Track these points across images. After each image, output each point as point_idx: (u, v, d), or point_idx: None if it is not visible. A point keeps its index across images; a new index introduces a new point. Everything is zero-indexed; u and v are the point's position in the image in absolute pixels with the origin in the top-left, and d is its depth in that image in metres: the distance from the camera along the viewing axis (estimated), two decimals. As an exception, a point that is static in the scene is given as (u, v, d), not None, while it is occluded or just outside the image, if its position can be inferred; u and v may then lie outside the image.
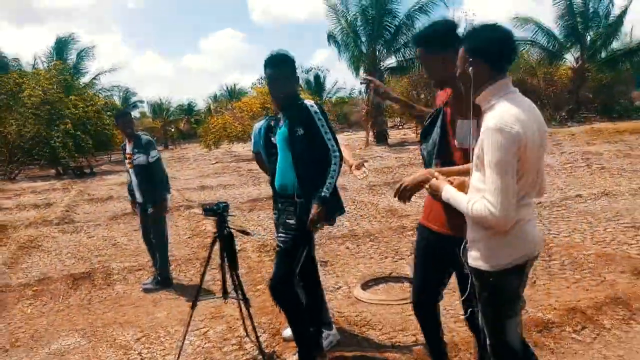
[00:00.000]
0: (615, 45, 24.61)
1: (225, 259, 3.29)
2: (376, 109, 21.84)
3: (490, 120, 1.81)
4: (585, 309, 3.46)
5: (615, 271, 4.27)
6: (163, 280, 4.84)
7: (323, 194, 2.76)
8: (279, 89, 2.91)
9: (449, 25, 2.31)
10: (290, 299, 2.85)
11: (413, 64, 22.11)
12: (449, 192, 1.96)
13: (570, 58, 24.99)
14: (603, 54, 24.23)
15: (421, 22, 22.19)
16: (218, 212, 3.19)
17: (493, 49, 1.88)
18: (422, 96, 23.93)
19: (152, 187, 4.71)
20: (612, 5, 23.45)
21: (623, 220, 5.91)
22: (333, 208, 2.91)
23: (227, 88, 47.75)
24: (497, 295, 1.95)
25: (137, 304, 4.57)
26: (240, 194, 10.50)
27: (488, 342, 2.05)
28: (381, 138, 21.88)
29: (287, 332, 3.31)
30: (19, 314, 4.52)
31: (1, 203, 11.80)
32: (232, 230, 3.28)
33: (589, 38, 24.19)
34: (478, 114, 1.97)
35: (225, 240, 3.23)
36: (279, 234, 2.94)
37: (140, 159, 4.65)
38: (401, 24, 22.13)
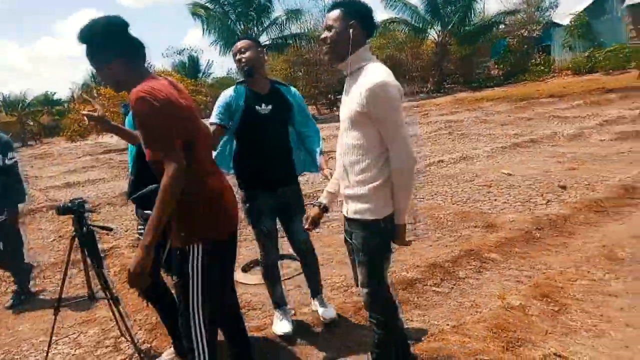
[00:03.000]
0: (472, 19, 26.83)
1: (88, 259, 3.10)
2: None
3: (373, 77, 1.97)
4: (443, 263, 3.80)
5: (470, 227, 4.75)
6: (23, 293, 4.43)
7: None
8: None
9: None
10: (156, 294, 2.77)
11: (287, 42, 22.30)
12: (397, 212, 2.08)
13: (433, 34, 26.83)
14: (462, 29, 26.31)
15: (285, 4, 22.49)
16: (73, 209, 2.98)
17: (368, 14, 2.09)
18: (300, 73, 24.25)
19: (6, 193, 4.22)
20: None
21: (477, 180, 6.55)
22: None
23: (94, 74, 44.22)
24: (385, 241, 2.14)
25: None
26: (112, 187, 9.89)
27: (366, 291, 2.20)
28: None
29: (279, 327, 3.17)
30: None
31: None
32: (93, 228, 3.08)
33: (448, 14, 26.08)
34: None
35: (85, 238, 3.03)
36: None
37: None
38: (267, 2, 22.19)
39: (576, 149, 7.84)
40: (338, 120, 2.21)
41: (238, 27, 22.54)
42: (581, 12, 25.70)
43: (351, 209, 2.14)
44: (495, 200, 5.60)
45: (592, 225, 4.43)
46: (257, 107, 2.87)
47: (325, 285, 3.58)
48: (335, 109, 24.63)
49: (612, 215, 4.62)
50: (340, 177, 2.21)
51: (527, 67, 25.54)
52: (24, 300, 4.41)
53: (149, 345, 3.26)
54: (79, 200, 3.00)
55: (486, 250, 4.00)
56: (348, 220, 2.20)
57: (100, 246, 3.17)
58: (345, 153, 2.13)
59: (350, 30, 2.04)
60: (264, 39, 23.50)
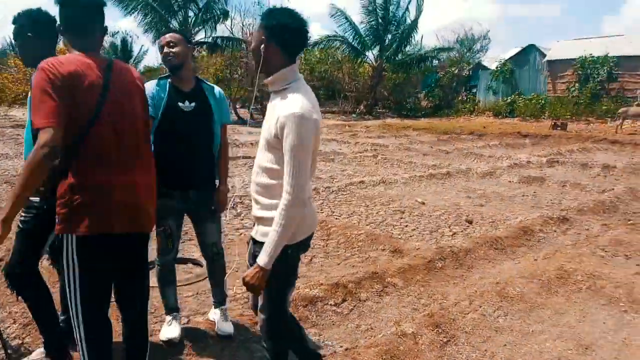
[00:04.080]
0: (408, 49, 27.93)
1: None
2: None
3: (291, 106, 1.89)
4: (347, 283, 3.82)
5: (378, 249, 4.84)
6: None
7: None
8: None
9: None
10: (29, 285, 2.54)
11: (228, 43, 22.02)
12: (264, 252, 1.94)
13: (371, 57, 27.59)
14: (399, 57, 27.29)
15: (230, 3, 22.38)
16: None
17: (287, 35, 1.95)
18: (236, 75, 23.93)
19: None
20: (408, 13, 26.59)
21: (392, 205, 6.72)
22: None
23: (10, 41, 40.85)
24: (289, 267, 2.09)
25: None
26: (15, 165, 9.14)
27: (263, 317, 2.14)
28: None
29: (164, 332, 2.95)
30: None
31: None
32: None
33: (387, 40, 26.98)
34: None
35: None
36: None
37: None
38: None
39: (486, 187, 8.29)
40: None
41: (175, 19, 21.93)
42: (507, 60, 27.62)
43: (260, 231, 2.06)
44: (406, 226, 5.76)
45: (490, 261, 4.66)
46: (179, 103, 2.74)
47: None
48: (259, 114, 24.51)
49: (509, 253, 4.89)
50: (252, 197, 2.13)
51: (453, 103, 26.95)
52: None
53: (20, 342, 2.97)
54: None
55: (390, 274, 4.07)
56: (255, 242, 2.11)
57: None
58: (258, 173, 2.06)
59: (262, 49, 1.96)
60: (200, 36, 23.07)
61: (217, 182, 3.02)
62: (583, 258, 4.56)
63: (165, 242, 2.89)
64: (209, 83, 2.99)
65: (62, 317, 2.72)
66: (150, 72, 37.08)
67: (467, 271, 4.40)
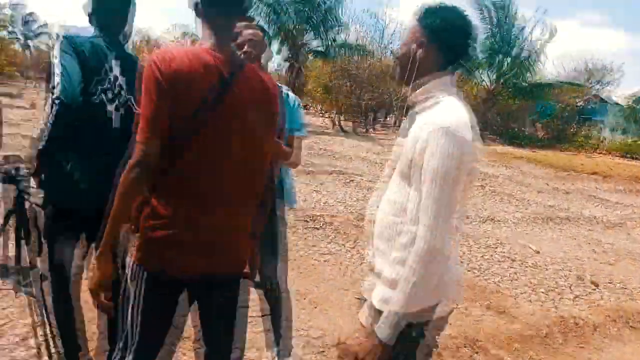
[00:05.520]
0: (528, 75, 26.03)
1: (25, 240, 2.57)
2: (295, 91, 21.41)
3: (438, 118, 1.41)
4: (440, 351, 3.16)
5: (482, 306, 4.08)
6: None
7: None
8: None
9: None
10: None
11: (339, 52, 21.97)
12: (385, 321, 1.41)
13: (486, 79, 26.06)
14: (517, 83, 25.52)
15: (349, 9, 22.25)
16: (16, 178, 2.43)
17: (454, 37, 1.51)
18: (346, 86, 23.81)
19: None
20: (532, 35, 24.75)
21: (500, 250, 5.86)
22: None
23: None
24: (409, 352, 1.51)
25: None
26: None
27: None
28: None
29: None
30: None
31: None
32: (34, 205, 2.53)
33: (505, 63, 25.33)
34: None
35: (22, 215, 2.49)
36: None
37: None
38: (331, 7, 21.95)
39: (614, 241, 7.07)
40: (372, 142, 1.58)
41: (292, 24, 22.20)
42: (640, 96, 24.74)
43: (380, 295, 1.51)
44: (516, 279, 4.91)
45: (624, 344, 3.73)
46: None
47: (296, 336, 2.98)
48: (371, 130, 24.04)
49: (650, 336, 3.90)
50: (373, 243, 1.59)
51: (571, 136, 24.62)
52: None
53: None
54: (15, 163, 2.43)
55: (496, 344, 3.33)
56: (370, 307, 1.57)
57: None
58: (384, 212, 1.53)
59: (417, 50, 1.50)
60: (316, 43, 23.15)
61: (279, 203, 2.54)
62: None
63: None
64: (282, 88, 2.48)
65: None
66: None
67: (596, 353, 3.52)
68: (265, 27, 21.94)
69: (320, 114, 31.85)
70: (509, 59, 25.30)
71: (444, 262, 1.37)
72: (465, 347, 3.23)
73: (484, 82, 26.24)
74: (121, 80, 2.12)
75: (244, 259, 1.72)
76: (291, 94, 2.53)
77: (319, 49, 23.27)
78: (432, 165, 1.34)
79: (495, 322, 3.79)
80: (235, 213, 1.59)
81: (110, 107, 2.09)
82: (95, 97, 2.06)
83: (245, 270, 1.75)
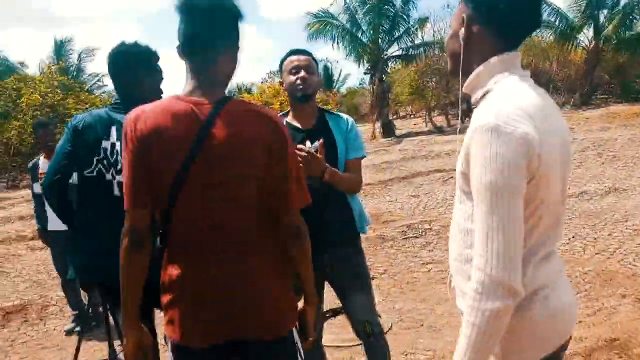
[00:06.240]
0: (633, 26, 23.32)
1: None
2: (381, 100, 21.20)
3: (480, 114, 1.12)
4: (571, 356, 2.75)
5: (616, 295, 3.54)
6: (82, 318, 4.16)
7: None
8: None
9: None
10: None
11: (418, 51, 21.48)
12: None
13: (584, 39, 23.82)
14: (620, 35, 22.98)
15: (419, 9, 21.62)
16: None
17: (502, 8, 1.16)
18: (432, 83, 23.14)
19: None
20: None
21: (631, 223, 5.13)
22: None
23: (237, 84, 46.70)
24: None
25: (61, 345, 3.99)
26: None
27: None
28: (388, 130, 21.13)
29: None
30: None
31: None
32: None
33: (602, 18, 22.98)
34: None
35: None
36: None
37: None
38: (398, 11, 21.52)
39: None
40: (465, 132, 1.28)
41: (366, 36, 22.06)
42: None
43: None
44: (656, 256, 4.24)
45: None
46: (299, 146, 2.16)
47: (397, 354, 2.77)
48: (467, 119, 23.00)
49: None
50: (451, 268, 1.33)
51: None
52: (85, 325, 3.99)
53: None
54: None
55: (638, 343, 2.84)
56: None
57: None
58: (453, 238, 1.28)
59: (466, 35, 1.22)
60: (394, 49, 22.81)
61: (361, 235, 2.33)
62: None
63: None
64: (334, 112, 2.36)
65: None
66: (350, 95, 38.60)
67: None
68: (340, 48, 22.19)
69: (411, 116, 31.24)
70: (605, 11, 22.97)
71: (510, 296, 1.04)
72: (600, 349, 2.79)
73: (581, 43, 24.00)
74: (118, 145, 2.08)
75: (280, 315, 1.46)
76: (343, 115, 2.36)
77: (397, 53, 22.90)
78: (476, 176, 1.07)
79: (636, 313, 3.25)
80: (241, 261, 1.41)
81: (109, 176, 2.09)
82: (90, 170, 2.09)
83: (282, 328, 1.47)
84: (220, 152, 1.34)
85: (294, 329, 1.50)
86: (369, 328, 2.28)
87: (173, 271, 1.40)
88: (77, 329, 4.13)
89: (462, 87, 1.27)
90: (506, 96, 1.12)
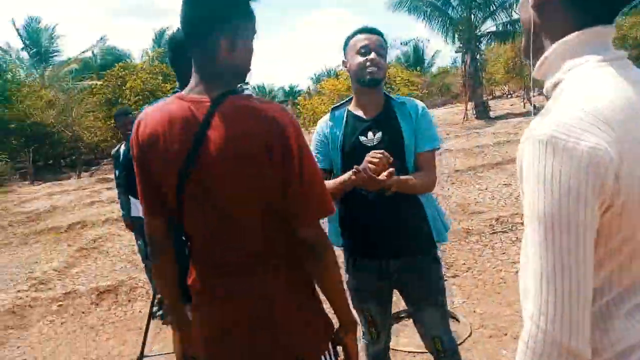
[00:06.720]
0: None
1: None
2: (474, 79, 20.13)
3: (538, 120, 0.85)
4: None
5: None
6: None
7: None
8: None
9: None
10: None
11: (515, 28, 19.98)
12: None
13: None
14: None
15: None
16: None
17: None
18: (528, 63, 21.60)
19: None
20: None
21: None
22: None
23: (327, 67, 46.89)
24: None
25: (144, 328, 4.16)
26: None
27: None
28: (481, 111, 20.05)
29: None
30: (35, 334, 4.35)
31: (94, 199, 12.37)
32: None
33: None
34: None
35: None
36: None
37: None
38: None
39: None
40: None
41: (457, 13, 20.93)
42: None
43: None
44: None
45: None
46: (361, 137, 1.96)
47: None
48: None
49: None
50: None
51: None
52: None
53: None
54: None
55: None
56: None
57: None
58: (523, 266, 0.98)
59: (537, 11, 0.94)
60: (488, 24, 21.44)
61: (437, 243, 2.06)
62: None
63: (367, 331, 2.15)
64: (402, 98, 2.07)
65: None
66: (441, 75, 37.22)
67: None
68: (430, 25, 21.29)
69: (508, 96, 29.48)
70: None
71: (570, 356, 0.80)
72: None
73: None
74: None
75: (293, 338, 1.29)
76: (413, 100, 2.06)
77: (492, 29, 21.51)
78: (528, 201, 0.83)
79: None
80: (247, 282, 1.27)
81: None
82: None
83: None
84: (216, 158, 1.17)
85: (326, 356, 1.32)
86: (439, 345, 2.07)
87: (196, 276, 1.36)
88: (160, 312, 4.31)
89: (532, 71, 0.99)
90: (576, 93, 0.83)
